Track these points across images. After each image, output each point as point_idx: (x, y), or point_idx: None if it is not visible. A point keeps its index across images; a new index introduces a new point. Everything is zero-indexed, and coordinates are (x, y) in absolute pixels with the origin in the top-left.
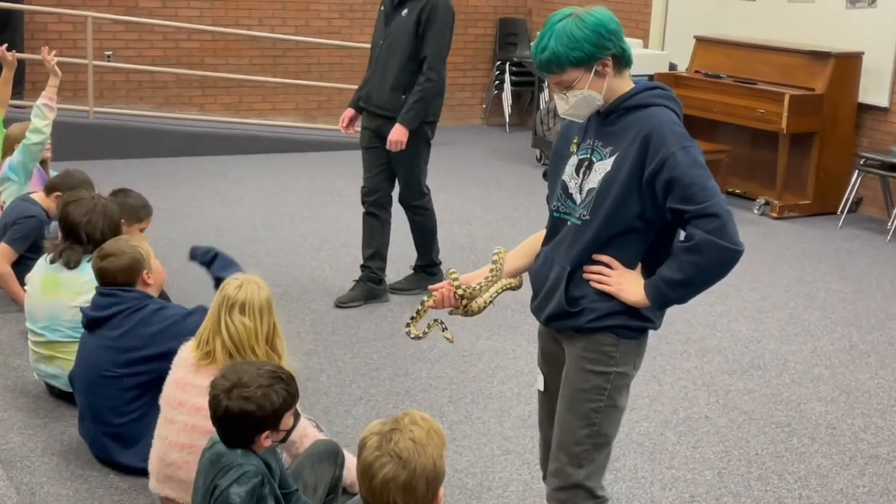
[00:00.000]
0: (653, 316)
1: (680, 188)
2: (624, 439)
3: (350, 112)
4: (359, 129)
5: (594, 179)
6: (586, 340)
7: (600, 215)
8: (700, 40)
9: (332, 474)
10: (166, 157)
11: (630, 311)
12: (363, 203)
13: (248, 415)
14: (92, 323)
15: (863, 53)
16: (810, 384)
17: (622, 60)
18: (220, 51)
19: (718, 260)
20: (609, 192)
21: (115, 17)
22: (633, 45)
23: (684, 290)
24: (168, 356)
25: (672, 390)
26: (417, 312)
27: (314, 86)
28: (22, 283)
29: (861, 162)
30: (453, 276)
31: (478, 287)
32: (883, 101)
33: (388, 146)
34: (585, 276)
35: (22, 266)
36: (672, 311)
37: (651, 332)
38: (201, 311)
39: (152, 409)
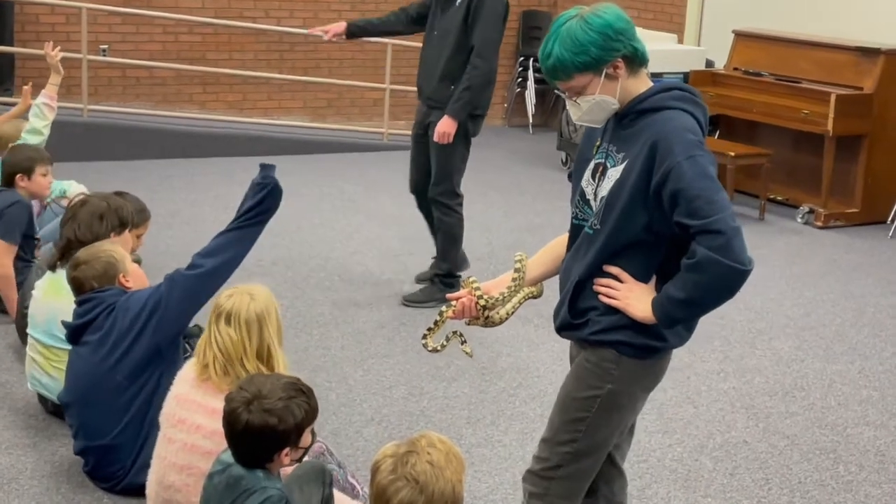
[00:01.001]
0: (667, 335)
1: (685, 201)
2: (656, 465)
3: (342, 26)
4: (334, 39)
5: (606, 187)
6: (590, 352)
7: (609, 225)
8: (739, 35)
9: (322, 494)
10: (165, 159)
11: (636, 327)
12: (415, 198)
13: (270, 429)
14: (75, 333)
15: None
16: (857, 407)
17: (635, 60)
18: (223, 45)
19: (721, 279)
20: (617, 202)
21: (112, 9)
22: (667, 40)
23: (688, 309)
24: (152, 332)
25: (708, 413)
26: (435, 323)
27: (323, 83)
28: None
29: None
30: (474, 284)
31: (500, 297)
32: None
33: (434, 137)
34: (595, 288)
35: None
36: (708, 328)
37: (683, 351)
38: (169, 280)
39: (149, 416)
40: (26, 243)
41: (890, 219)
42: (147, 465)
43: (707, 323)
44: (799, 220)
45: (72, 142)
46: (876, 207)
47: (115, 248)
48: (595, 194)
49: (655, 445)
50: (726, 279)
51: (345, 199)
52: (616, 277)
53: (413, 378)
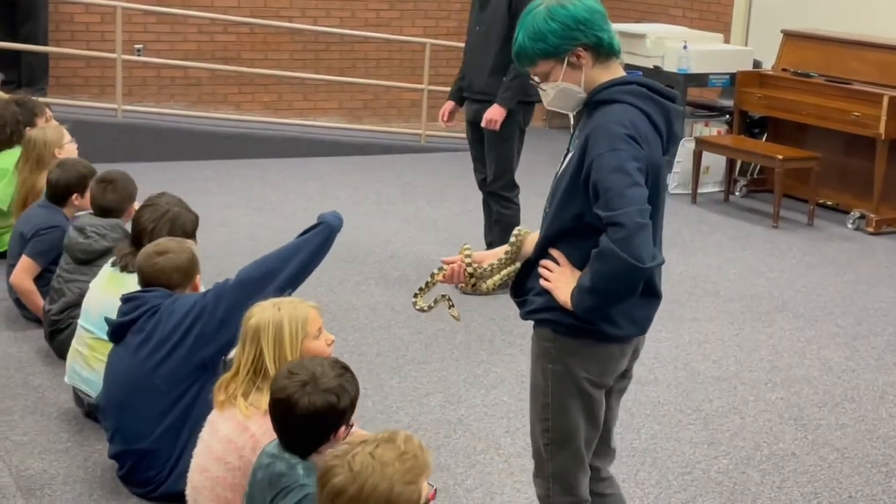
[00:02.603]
0: (596, 320)
1: (601, 192)
2: (701, 477)
3: (450, 104)
4: (458, 121)
5: (557, 173)
6: (534, 332)
7: (552, 210)
8: (788, 35)
9: None
10: (199, 160)
11: (564, 308)
12: (481, 190)
13: (332, 408)
14: (117, 331)
15: None
16: None
17: (600, 50)
18: (259, 45)
19: (616, 272)
20: (559, 189)
21: (146, 8)
22: (713, 40)
23: (592, 298)
24: (193, 340)
25: (755, 424)
26: (426, 284)
27: (360, 83)
28: (44, 296)
29: None
30: (466, 251)
31: (489, 268)
32: None
33: (483, 124)
34: (539, 268)
35: (42, 279)
36: (756, 337)
37: (729, 360)
38: (218, 287)
39: (189, 423)
40: (54, 262)
41: None
42: (187, 473)
43: (754, 331)
44: (849, 225)
45: (105, 143)
46: None
47: (195, 244)
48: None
49: (700, 457)
50: (619, 272)
51: (381, 202)
52: (556, 261)
53: (450, 385)
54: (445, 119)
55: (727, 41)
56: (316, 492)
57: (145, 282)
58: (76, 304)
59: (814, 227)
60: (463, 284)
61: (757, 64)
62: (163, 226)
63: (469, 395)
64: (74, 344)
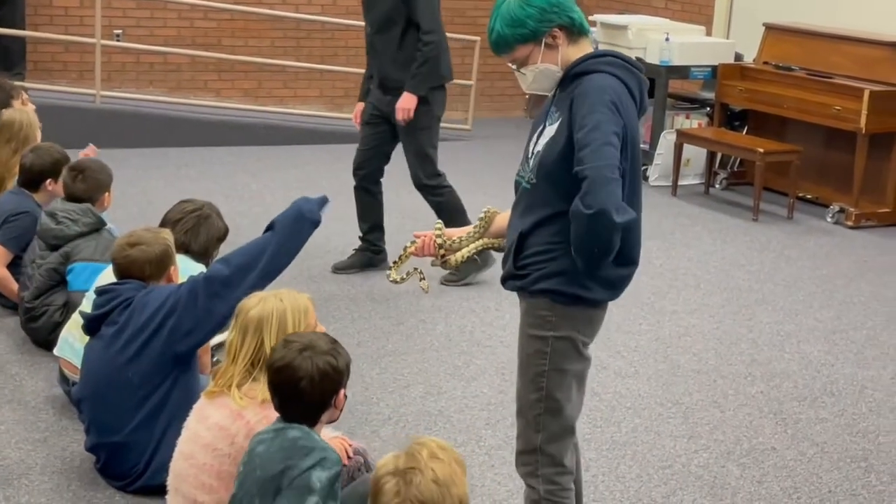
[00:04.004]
0: (591, 285)
1: (579, 149)
2: (681, 471)
3: (361, 106)
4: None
5: (541, 143)
6: (527, 304)
7: (543, 178)
8: (770, 28)
9: None
10: (179, 147)
11: (568, 276)
12: (354, 175)
13: (333, 369)
14: (91, 324)
15: None
16: (890, 415)
17: (573, 29)
18: (239, 31)
19: (584, 228)
20: (550, 156)
21: None
22: (695, 32)
23: (578, 255)
24: (167, 335)
25: (735, 418)
26: (400, 257)
27: (341, 71)
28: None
29: None
30: (437, 226)
31: (458, 241)
32: None
33: (398, 117)
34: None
35: (14, 266)
36: (736, 330)
37: (709, 353)
38: (192, 282)
39: (163, 416)
40: (24, 248)
41: None
42: (166, 467)
43: (734, 324)
44: (829, 219)
45: (84, 128)
46: None
47: (170, 235)
48: (532, 151)
49: (681, 451)
50: (590, 227)
51: None
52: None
53: (431, 377)
54: (359, 121)
55: (709, 34)
56: (335, 458)
57: (119, 273)
58: (49, 290)
59: (793, 221)
60: (434, 257)
61: (738, 57)
62: (189, 220)
63: (449, 386)
64: (74, 316)
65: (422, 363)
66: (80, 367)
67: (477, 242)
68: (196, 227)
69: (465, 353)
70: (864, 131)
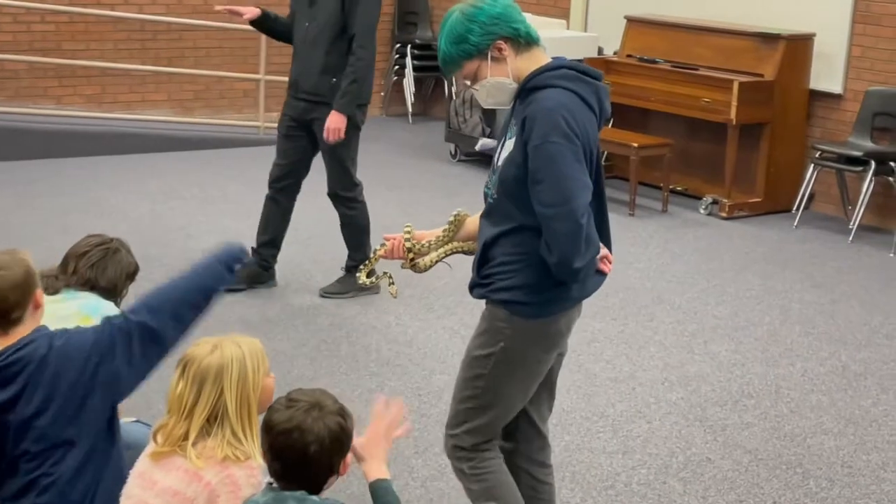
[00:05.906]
0: (554, 299)
1: (534, 184)
2: (624, 490)
3: (256, 12)
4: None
5: (502, 157)
6: (487, 311)
7: (504, 195)
8: (631, 21)
9: None
10: (23, 160)
11: (530, 288)
12: (270, 187)
13: (343, 429)
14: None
15: (814, 35)
16: (811, 414)
17: (519, 40)
18: (80, 34)
19: (553, 266)
20: (508, 174)
21: None
22: (556, 27)
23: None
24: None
25: (663, 427)
26: (370, 260)
27: (189, 73)
28: None
29: (817, 155)
30: (407, 229)
31: (427, 245)
32: (836, 88)
33: (325, 135)
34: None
35: None
36: (641, 332)
37: (622, 359)
38: (106, 322)
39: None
40: None
41: (794, 207)
42: None
43: (638, 326)
44: (702, 211)
45: None
46: (778, 196)
47: (28, 255)
48: (496, 164)
49: (619, 468)
50: (554, 268)
51: (230, 200)
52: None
53: (346, 402)
54: (243, 14)
55: (568, 28)
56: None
57: None
58: None
59: (669, 214)
60: (403, 261)
61: (600, 51)
62: (96, 253)
63: (365, 412)
64: None
65: (332, 389)
66: None
67: (446, 247)
68: (103, 261)
69: (375, 375)
70: (734, 122)
